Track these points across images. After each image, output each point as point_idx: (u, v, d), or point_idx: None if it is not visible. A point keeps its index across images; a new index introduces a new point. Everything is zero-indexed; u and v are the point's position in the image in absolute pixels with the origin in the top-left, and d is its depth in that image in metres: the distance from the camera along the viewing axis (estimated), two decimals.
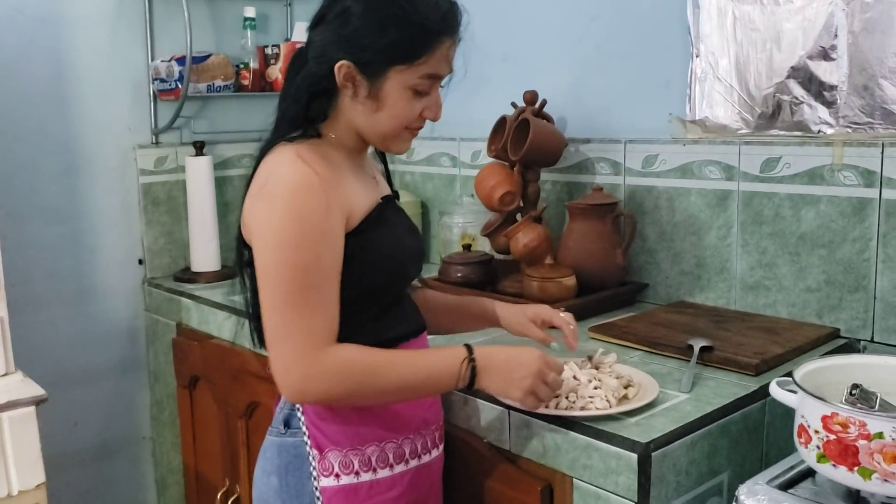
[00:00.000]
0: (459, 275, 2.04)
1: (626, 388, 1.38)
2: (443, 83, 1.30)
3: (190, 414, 2.30)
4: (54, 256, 2.31)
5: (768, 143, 1.75)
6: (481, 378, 1.23)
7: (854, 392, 1.04)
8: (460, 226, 2.31)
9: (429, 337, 1.43)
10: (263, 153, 1.24)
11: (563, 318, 1.47)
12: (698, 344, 1.55)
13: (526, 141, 1.94)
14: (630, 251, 1.99)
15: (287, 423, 1.29)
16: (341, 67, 1.21)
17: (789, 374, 1.20)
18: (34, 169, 2.26)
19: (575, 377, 1.36)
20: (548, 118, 2.05)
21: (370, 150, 1.38)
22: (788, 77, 1.71)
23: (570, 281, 1.88)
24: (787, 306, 1.76)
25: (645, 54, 1.96)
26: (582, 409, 1.31)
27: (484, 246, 2.21)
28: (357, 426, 1.26)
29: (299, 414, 1.27)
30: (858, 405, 1.05)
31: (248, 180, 1.25)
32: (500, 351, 1.26)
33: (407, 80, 1.22)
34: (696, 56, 1.85)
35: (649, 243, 1.99)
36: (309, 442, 1.25)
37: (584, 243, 1.94)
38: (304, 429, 1.26)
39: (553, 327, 1.49)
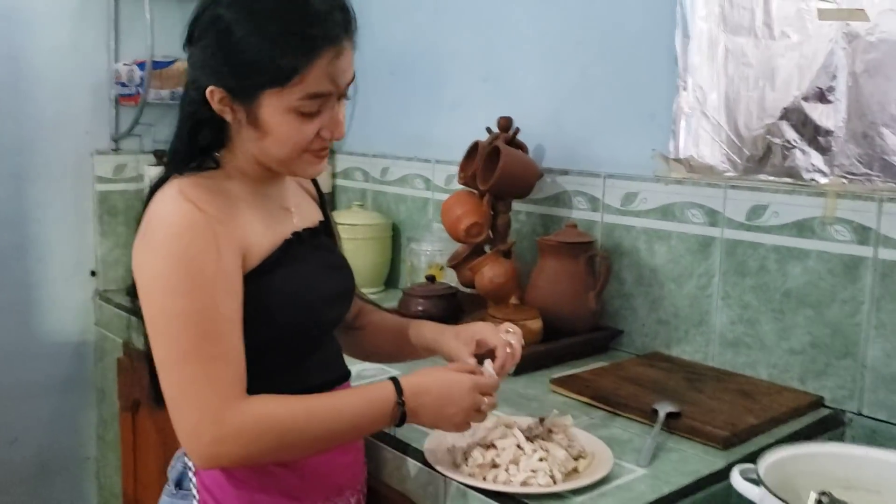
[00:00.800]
0: (420, 308, 1.90)
1: (576, 459, 1.24)
2: (348, 94, 1.13)
3: (132, 438, 2.16)
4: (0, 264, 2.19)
5: (756, 189, 1.61)
6: (411, 418, 1.12)
7: (822, 501, 0.89)
8: (428, 254, 2.17)
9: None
10: (153, 191, 1.09)
11: (504, 338, 1.27)
12: (664, 409, 1.40)
13: (496, 169, 1.80)
14: (605, 294, 1.85)
15: (179, 484, 1.14)
16: (213, 93, 1.06)
17: (755, 458, 1.06)
18: None
19: (519, 446, 1.22)
20: (522, 146, 1.91)
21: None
22: (781, 118, 1.57)
23: (536, 324, 1.74)
24: (767, 367, 1.61)
25: (630, 83, 1.82)
26: (523, 483, 1.17)
27: (452, 278, 2.07)
28: (254, 492, 1.11)
29: (191, 474, 1.13)
30: None
31: (137, 222, 1.09)
32: (430, 386, 1.13)
33: (285, 103, 1.05)
34: (684, 89, 1.70)
35: (626, 287, 1.84)
36: None
37: (555, 283, 1.80)
38: (194, 492, 1.12)
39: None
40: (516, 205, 2.03)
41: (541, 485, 1.16)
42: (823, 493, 0.90)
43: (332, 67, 1.06)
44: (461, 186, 1.98)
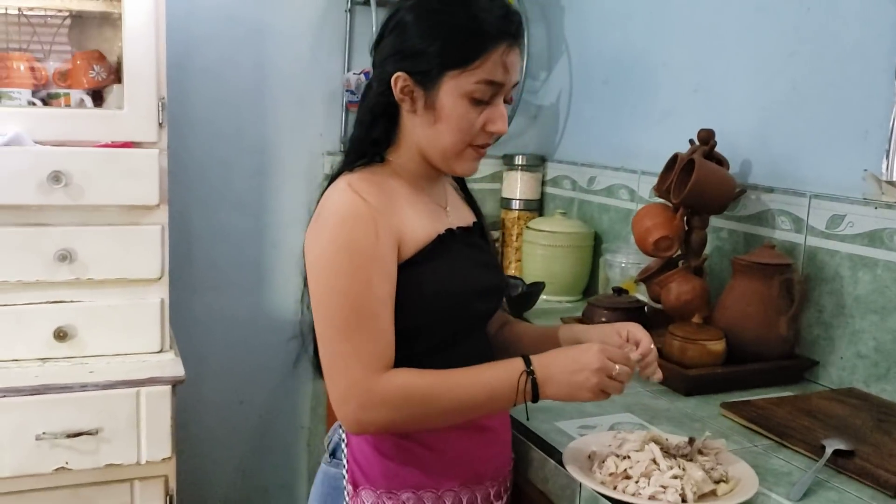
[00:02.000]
0: (603, 319, 1.90)
1: (717, 482, 1.20)
2: (508, 94, 1.21)
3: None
4: (239, 247, 2.48)
5: None
6: (544, 389, 1.15)
7: None
8: (624, 266, 2.16)
9: None
10: (329, 183, 1.23)
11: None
12: (833, 446, 1.31)
13: (689, 182, 1.76)
14: (802, 322, 1.74)
15: (333, 453, 1.26)
16: (397, 80, 1.18)
17: None
18: (229, 166, 2.43)
19: (654, 461, 1.21)
20: (721, 160, 1.85)
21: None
22: None
23: (718, 346, 1.68)
24: None
25: (843, 98, 1.70)
26: (651, 497, 1.15)
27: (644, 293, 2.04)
28: (397, 467, 1.20)
29: (343, 445, 1.24)
30: None
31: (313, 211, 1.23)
32: (558, 356, 1.16)
33: (462, 86, 1.16)
34: None
35: (825, 315, 1.72)
36: (347, 476, 1.22)
37: (744, 305, 1.73)
38: (345, 461, 1.23)
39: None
40: (719, 222, 1.97)
41: (669, 501, 1.14)
42: None
43: (506, 58, 1.17)
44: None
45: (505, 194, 2.71)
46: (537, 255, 2.44)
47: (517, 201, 2.68)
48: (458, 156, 1.21)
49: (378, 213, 1.15)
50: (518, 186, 2.68)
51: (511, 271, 2.62)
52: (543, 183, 2.72)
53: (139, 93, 1.83)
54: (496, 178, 2.75)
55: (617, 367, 1.15)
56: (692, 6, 2.11)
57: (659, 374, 1.26)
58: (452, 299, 1.21)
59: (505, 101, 1.22)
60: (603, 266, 2.24)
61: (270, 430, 2.62)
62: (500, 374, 1.15)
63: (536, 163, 2.69)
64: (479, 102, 1.17)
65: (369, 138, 1.24)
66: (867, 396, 1.60)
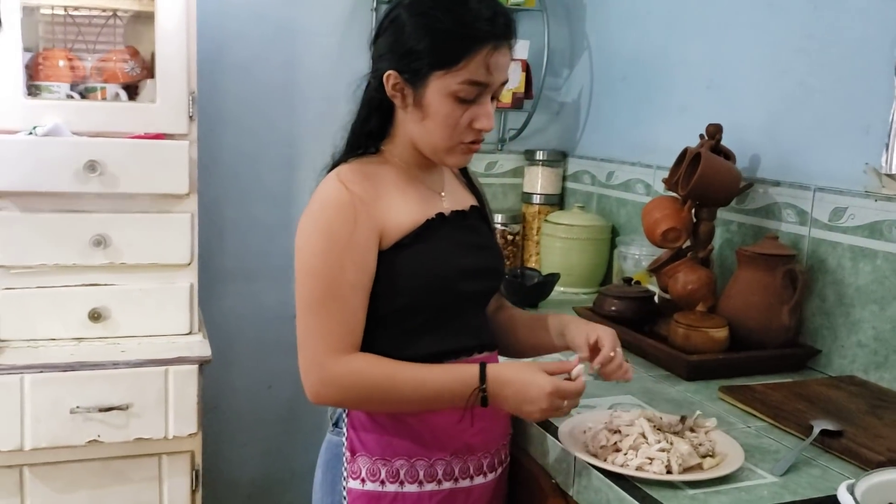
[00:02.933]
0: (613, 308, 1.96)
1: (703, 457, 1.25)
2: (497, 93, 1.27)
3: None
4: (268, 237, 2.57)
5: None
6: (493, 403, 1.23)
7: None
8: (636, 257, 2.21)
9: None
10: (327, 173, 1.31)
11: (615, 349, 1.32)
12: (820, 426, 1.36)
13: (695, 175, 1.81)
14: (805, 312, 1.78)
15: (336, 423, 1.34)
16: (388, 77, 1.25)
17: None
18: (258, 159, 2.53)
19: (643, 435, 1.27)
20: (727, 153, 1.89)
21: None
22: None
23: (721, 333, 1.73)
24: None
25: (847, 94, 1.74)
26: (638, 468, 1.21)
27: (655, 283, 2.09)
28: (390, 437, 1.28)
29: (344, 416, 1.32)
30: None
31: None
32: (513, 379, 1.22)
33: (447, 85, 1.22)
34: None
35: (828, 305, 1.76)
36: (346, 444, 1.30)
37: (748, 295, 1.78)
38: (344, 430, 1.31)
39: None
40: (729, 214, 2.01)
41: (654, 472, 1.20)
42: None
43: (490, 60, 1.22)
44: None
45: (526, 189, 2.78)
46: (555, 247, 2.50)
47: (538, 196, 2.74)
48: (448, 151, 1.28)
49: (360, 201, 1.23)
50: (539, 181, 2.74)
51: (531, 263, 2.69)
52: (564, 178, 2.78)
53: (171, 87, 1.94)
54: (517, 173, 2.81)
55: (565, 403, 1.21)
56: (707, 4, 2.16)
57: (629, 375, 1.32)
58: (435, 279, 1.28)
59: (493, 99, 1.28)
60: (617, 258, 2.30)
61: (297, 414, 2.72)
62: (453, 380, 1.22)
63: (558, 158, 2.75)
64: (464, 101, 1.23)
65: (364, 131, 1.33)
66: (865, 383, 1.64)
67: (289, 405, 2.70)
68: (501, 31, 1.23)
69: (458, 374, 1.23)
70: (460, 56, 1.21)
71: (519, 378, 1.22)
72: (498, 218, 2.68)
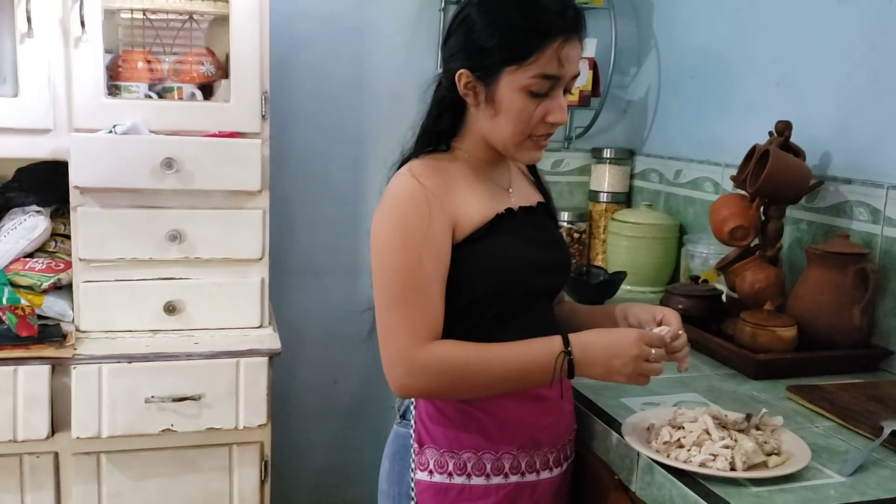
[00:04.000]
0: (680, 307, 1.93)
1: (769, 455, 1.24)
2: (569, 86, 1.28)
3: None
4: (336, 234, 2.62)
5: None
6: (581, 369, 1.23)
7: None
8: (704, 256, 2.19)
9: None
10: (398, 168, 1.33)
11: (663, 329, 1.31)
12: (891, 427, 1.33)
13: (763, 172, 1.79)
14: (878, 312, 1.74)
15: (404, 415, 1.36)
16: (461, 76, 1.26)
17: None
18: (328, 157, 2.58)
19: (707, 431, 1.26)
20: (797, 151, 1.86)
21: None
22: None
23: (789, 332, 1.70)
24: None
25: None
26: (701, 464, 1.21)
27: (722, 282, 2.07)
28: (458, 430, 1.29)
29: (412, 408, 1.34)
30: None
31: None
32: (597, 339, 1.23)
33: (519, 80, 1.23)
34: None
35: None
36: (413, 435, 1.32)
37: (817, 294, 1.74)
38: (412, 422, 1.33)
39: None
40: (799, 213, 1.98)
41: (718, 468, 1.19)
42: None
43: (561, 53, 1.23)
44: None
45: (593, 187, 2.77)
46: (622, 245, 2.49)
47: (605, 194, 2.73)
48: (519, 146, 1.29)
49: (433, 195, 1.25)
50: (606, 179, 2.73)
51: (598, 262, 2.68)
52: (632, 176, 2.76)
53: (244, 87, 2.00)
54: (584, 171, 2.81)
55: (653, 351, 1.21)
56: (777, 0, 2.12)
57: (686, 363, 1.30)
58: (506, 274, 1.29)
59: (566, 93, 1.29)
60: (685, 256, 2.28)
61: (362, 410, 2.76)
62: (536, 352, 1.23)
63: (625, 156, 2.74)
64: (536, 95, 1.25)
65: (436, 129, 1.34)
66: None
67: (354, 400, 2.75)
68: (571, 24, 1.24)
69: (542, 345, 1.23)
70: (531, 51, 1.22)
71: (602, 335, 1.23)
72: (564, 216, 2.68)
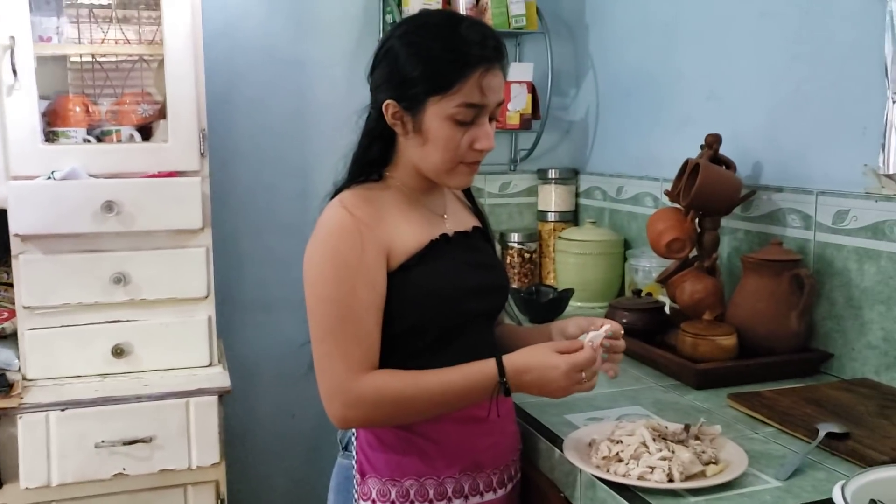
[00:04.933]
0: (624, 321, 1.95)
1: (706, 464, 1.26)
2: (495, 113, 1.31)
3: None
4: (286, 267, 2.62)
5: None
6: (516, 391, 1.26)
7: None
8: (646, 269, 2.23)
9: None
10: (330, 199, 1.35)
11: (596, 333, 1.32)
12: (826, 429, 1.36)
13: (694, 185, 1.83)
14: (815, 316, 1.78)
15: (346, 446, 1.37)
16: (387, 107, 1.28)
17: None
18: (274, 190, 2.59)
19: (644, 444, 1.28)
20: (726, 162, 1.91)
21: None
22: None
23: (728, 341, 1.73)
24: None
25: (842, 97, 1.75)
26: (639, 477, 1.23)
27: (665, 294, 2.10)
28: (399, 456, 1.30)
29: (353, 438, 1.35)
30: None
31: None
32: (531, 366, 1.24)
33: (444, 110, 1.26)
34: (893, 101, 1.61)
35: (837, 308, 1.76)
36: (355, 466, 1.32)
37: (755, 301, 1.78)
38: (353, 452, 1.33)
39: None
40: (735, 222, 2.02)
41: (656, 480, 1.21)
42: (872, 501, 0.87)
43: (483, 82, 1.26)
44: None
45: (541, 207, 2.80)
46: (570, 263, 2.52)
47: (552, 213, 2.76)
48: (450, 172, 1.31)
49: (364, 225, 1.26)
50: (553, 199, 2.77)
51: (549, 280, 2.71)
52: (577, 195, 2.80)
53: (182, 126, 2.00)
54: (532, 192, 2.84)
55: (583, 374, 1.24)
56: (702, 16, 2.18)
57: (613, 372, 1.33)
58: (442, 299, 1.31)
59: (492, 120, 1.32)
60: (629, 270, 2.31)
61: (322, 442, 2.75)
62: (472, 378, 1.25)
63: (569, 176, 2.78)
64: (462, 123, 1.27)
65: (367, 159, 1.36)
66: (878, 385, 1.63)
67: (314, 432, 2.73)
68: (491, 53, 1.27)
69: (478, 371, 1.25)
70: (453, 81, 1.25)
71: (536, 363, 1.24)
72: (514, 237, 2.71)
